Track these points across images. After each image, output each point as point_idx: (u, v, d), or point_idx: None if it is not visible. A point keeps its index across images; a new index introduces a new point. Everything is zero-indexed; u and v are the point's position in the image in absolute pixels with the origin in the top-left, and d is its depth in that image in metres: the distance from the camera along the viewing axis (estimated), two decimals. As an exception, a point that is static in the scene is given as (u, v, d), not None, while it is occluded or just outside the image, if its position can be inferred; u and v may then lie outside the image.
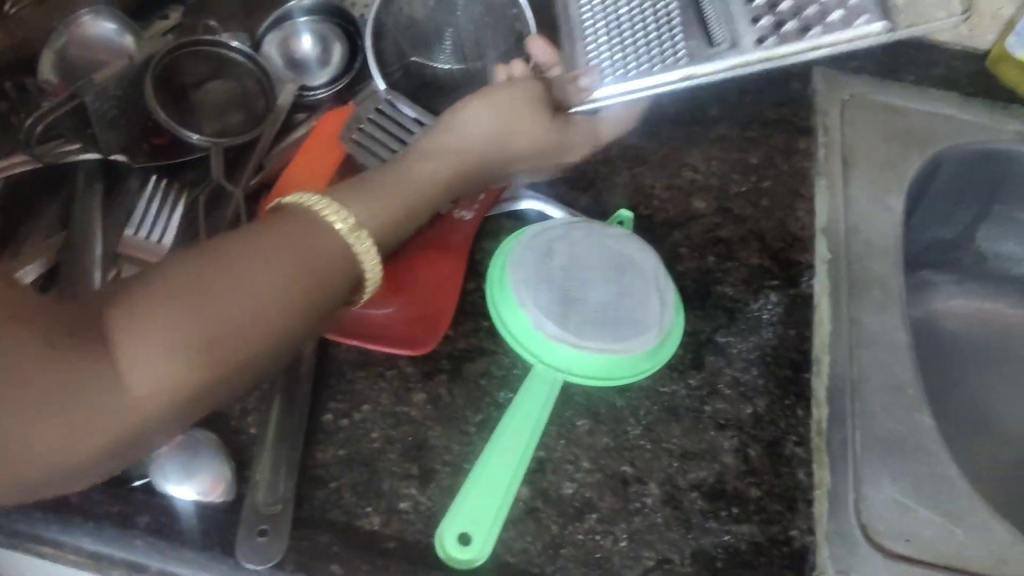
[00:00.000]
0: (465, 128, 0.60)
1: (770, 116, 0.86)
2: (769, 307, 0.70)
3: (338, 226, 0.49)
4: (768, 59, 0.57)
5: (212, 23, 0.81)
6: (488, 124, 0.60)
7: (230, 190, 0.68)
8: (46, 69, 0.75)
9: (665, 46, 0.61)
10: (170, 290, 0.43)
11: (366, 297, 0.53)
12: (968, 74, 0.93)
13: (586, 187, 0.77)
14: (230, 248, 0.48)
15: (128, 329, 0.40)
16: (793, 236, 0.75)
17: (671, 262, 0.70)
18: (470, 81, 0.80)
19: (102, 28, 0.77)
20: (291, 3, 0.81)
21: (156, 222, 0.66)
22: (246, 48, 0.76)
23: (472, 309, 0.67)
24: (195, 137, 0.69)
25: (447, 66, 0.81)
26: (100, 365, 0.39)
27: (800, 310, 0.70)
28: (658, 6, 0.63)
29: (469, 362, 0.64)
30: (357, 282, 0.52)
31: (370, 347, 0.63)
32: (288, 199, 0.51)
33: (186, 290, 0.44)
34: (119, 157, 0.69)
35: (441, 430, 0.60)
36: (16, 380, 0.36)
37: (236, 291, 0.45)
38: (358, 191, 0.53)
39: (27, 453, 0.37)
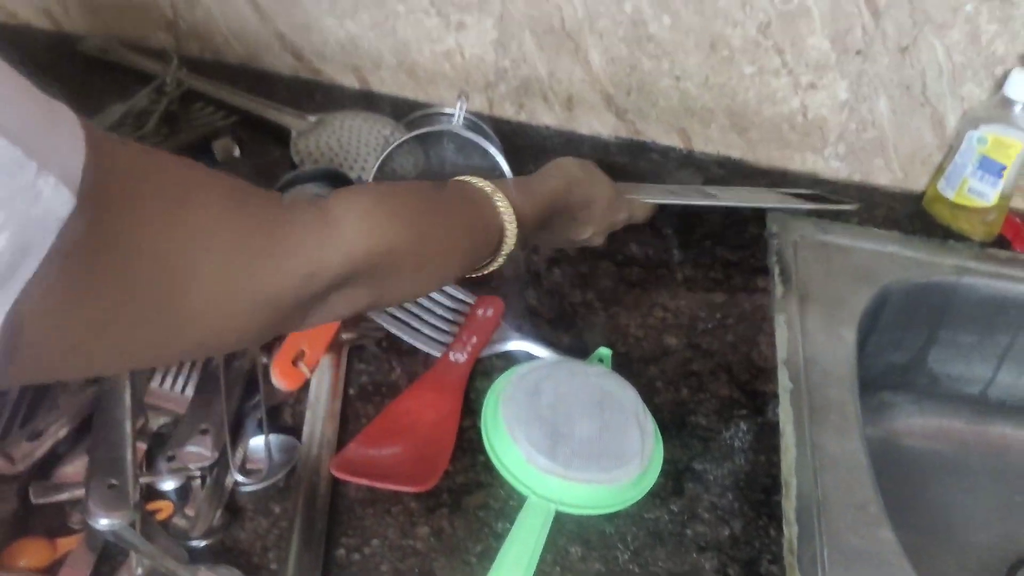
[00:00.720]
0: (560, 170, 0.78)
1: (730, 258, 0.95)
2: (740, 435, 0.77)
3: (500, 206, 0.66)
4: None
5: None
6: (575, 170, 0.79)
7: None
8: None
9: None
10: (382, 193, 0.59)
11: (500, 260, 0.69)
12: (907, 214, 1.03)
13: (567, 327, 0.84)
14: (431, 194, 0.63)
15: (346, 197, 0.55)
16: (758, 368, 0.83)
17: (648, 395, 0.77)
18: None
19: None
20: (295, 172, 0.90)
21: (179, 373, 0.73)
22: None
23: (469, 445, 0.73)
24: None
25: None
26: (316, 213, 0.52)
27: (768, 437, 0.77)
28: None
29: (468, 495, 0.70)
30: (498, 247, 0.68)
31: (377, 485, 0.69)
32: (469, 179, 0.67)
33: (395, 195, 0.59)
34: (144, 315, 0.76)
35: (445, 561, 0.66)
36: (247, 225, 0.47)
37: (430, 214, 0.61)
38: (511, 187, 0.69)
39: (251, 283, 0.47)
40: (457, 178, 0.68)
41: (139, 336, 0.43)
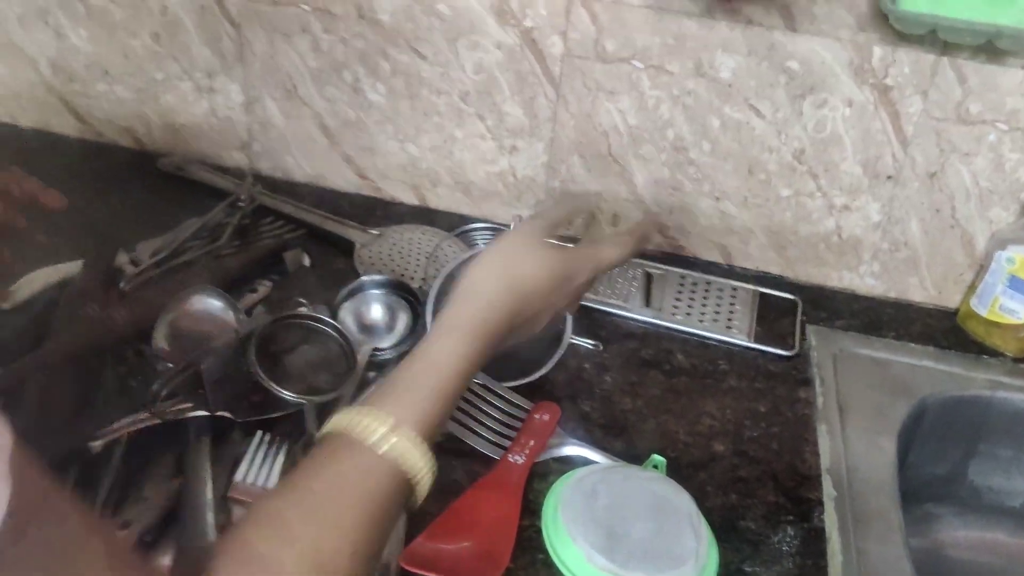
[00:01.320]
0: (478, 288, 0.67)
1: (773, 369, 0.99)
2: (788, 540, 0.80)
3: (375, 438, 0.55)
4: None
5: (300, 299, 0.96)
6: (497, 275, 0.68)
7: (319, 441, 0.80)
8: (159, 339, 0.88)
9: None
10: (261, 532, 0.52)
11: (423, 490, 0.59)
12: (942, 330, 1.08)
13: (619, 433, 0.88)
14: (306, 484, 0.55)
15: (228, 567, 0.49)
16: (802, 476, 0.86)
17: (699, 498, 0.80)
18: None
19: (207, 304, 0.91)
20: (363, 278, 0.97)
21: (261, 469, 0.77)
22: (330, 320, 0.91)
23: (528, 544, 0.76)
24: (291, 396, 0.82)
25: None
26: None
27: (814, 542, 0.80)
28: None
29: (529, 592, 0.73)
30: (411, 484, 0.58)
31: (444, 579, 0.72)
32: (331, 425, 0.58)
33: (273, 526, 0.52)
34: (224, 413, 0.81)
35: (508, 656, 0.68)
36: None
37: (313, 525, 0.52)
38: (390, 391, 0.60)
39: None
40: (329, 430, 0.58)
41: None
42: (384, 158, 1.17)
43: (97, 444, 0.77)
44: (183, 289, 0.92)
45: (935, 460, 1.05)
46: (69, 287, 0.94)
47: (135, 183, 1.19)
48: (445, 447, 0.84)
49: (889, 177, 1.04)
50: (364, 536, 0.54)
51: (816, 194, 1.07)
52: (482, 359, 0.65)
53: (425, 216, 1.18)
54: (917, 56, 0.96)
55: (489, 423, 0.86)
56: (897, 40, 0.95)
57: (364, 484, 0.55)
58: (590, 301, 1.04)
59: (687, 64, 1.02)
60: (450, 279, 0.94)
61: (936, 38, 0.93)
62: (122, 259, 1.01)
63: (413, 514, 0.76)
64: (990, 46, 0.91)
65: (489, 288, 0.67)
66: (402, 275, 1.03)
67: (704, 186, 1.09)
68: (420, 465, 0.57)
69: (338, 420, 0.58)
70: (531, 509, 0.79)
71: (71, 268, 0.97)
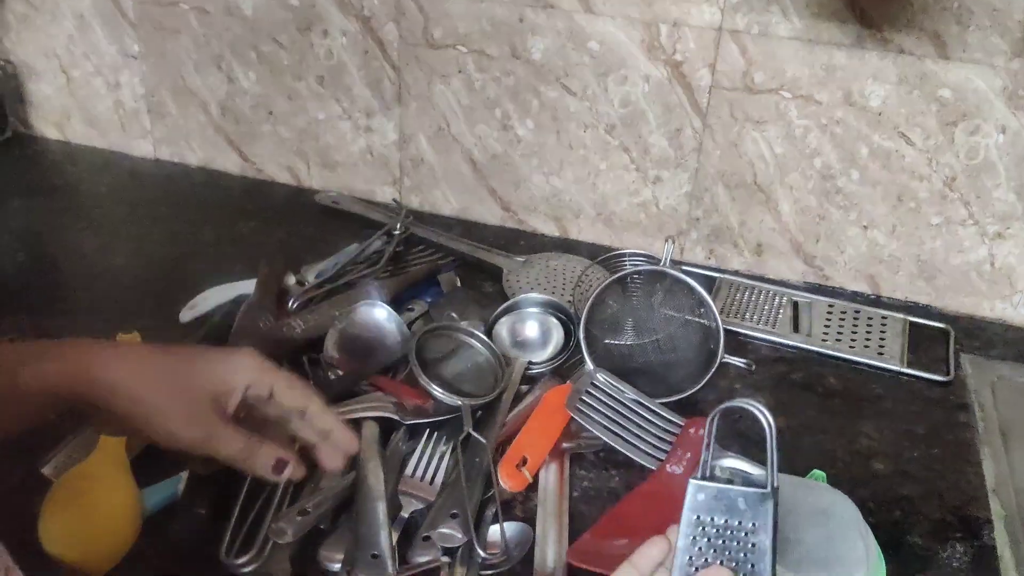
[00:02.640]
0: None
1: (928, 395, 0.97)
2: (957, 556, 0.78)
3: None
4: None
5: (452, 313, 1.01)
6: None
7: (482, 441, 0.83)
8: (331, 347, 0.93)
9: None
10: None
11: None
12: (1105, 358, 1.04)
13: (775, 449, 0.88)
14: None
15: None
16: (968, 496, 0.84)
17: (864, 515, 0.79)
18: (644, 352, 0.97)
19: (373, 316, 0.96)
20: (520, 297, 1.00)
21: (429, 466, 0.80)
22: (481, 333, 0.94)
23: (691, 549, 0.77)
24: (447, 396, 0.85)
25: (629, 342, 0.98)
26: None
27: (986, 559, 0.78)
28: None
29: (694, 595, 0.73)
30: None
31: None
32: None
33: None
34: (391, 415, 0.85)
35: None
36: None
37: None
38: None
39: None
40: None
41: None
42: (528, 191, 1.22)
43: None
44: (352, 302, 0.98)
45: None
46: (245, 303, 1.00)
47: (294, 216, 1.26)
48: (603, 457, 0.86)
49: (1046, 204, 1.02)
50: None
51: (968, 222, 1.06)
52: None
53: (566, 247, 1.21)
54: (1075, 80, 0.95)
55: (644, 436, 0.88)
56: (1054, 64, 0.95)
57: None
58: (736, 327, 1.05)
59: (836, 93, 1.03)
60: (600, 300, 0.97)
61: (1096, 60, 0.92)
62: (290, 280, 1.08)
63: (571, 518, 0.79)
64: None
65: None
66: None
67: (851, 214, 1.09)
68: None
69: None
70: (692, 517, 0.79)
71: (245, 286, 1.04)
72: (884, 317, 1.09)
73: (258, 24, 1.23)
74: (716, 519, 0.59)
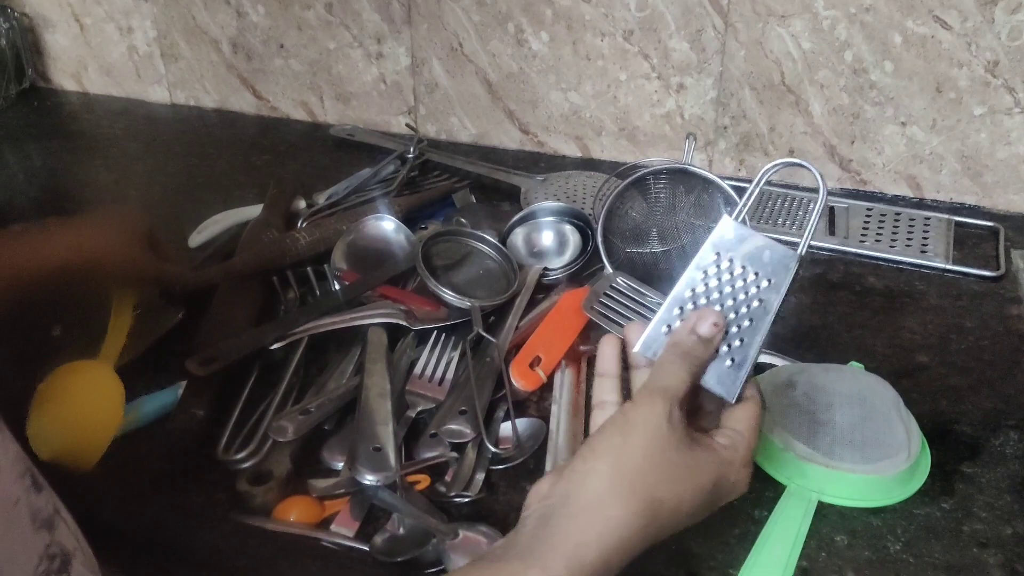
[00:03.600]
0: (600, 512, 0.48)
1: (977, 289, 0.91)
2: (1011, 443, 0.72)
3: None
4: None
5: (462, 219, 0.97)
6: (625, 497, 0.48)
7: (492, 341, 0.79)
8: (338, 259, 0.90)
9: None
10: None
11: None
12: None
13: (810, 346, 0.82)
14: None
15: None
16: (1021, 384, 0.78)
17: (905, 406, 0.73)
18: (670, 260, 0.92)
19: (381, 228, 0.93)
20: (534, 206, 0.95)
21: (437, 366, 0.76)
22: (489, 237, 0.90)
23: (717, 443, 0.71)
24: (455, 298, 0.81)
25: (653, 250, 0.92)
26: None
27: (1045, 445, 0.71)
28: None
29: (720, 487, 0.68)
30: None
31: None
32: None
33: None
34: (400, 321, 0.81)
35: (703, 541, 0.63)
36: None
37: None
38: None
39: None
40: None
41: None
42: (547, 109, 1.17)
43: (279, 346, 0.78)
44: (360, 216, 0.94)
45: None
46: (252, 221, 0.97)
47: (310, 150, 1.23)
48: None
49: (1101, 82, 0.95)
50: None
51: (1015, 110, 0.98)
52: None
53: (590, 167, 1.16)
54: None
55: (668, 336, 0.82)
56: (1104, -76, 0.88)
57: None
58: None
59: (864, -23, 0.97)
60: (619, 206, 0.92)
61: None
62: (300, 204, 1.04)
63: (586, 415, 0.74)
64: None
65: (614, 515, 0.48)
66: (570, 209, 1.02)
67: (887, 110, 1.03)
68: None
69: None
70: (718, 411, 0.74)
71: (252, 211, 1.01)
72: (927, 218, 1.02)
73: (264, -48, 1.20)
74: (735, 263, 0.57)
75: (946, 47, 0.98)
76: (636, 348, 0.57)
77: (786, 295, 0.57)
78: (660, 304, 0.82)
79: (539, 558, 0.46)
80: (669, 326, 0.57)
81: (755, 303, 0.56)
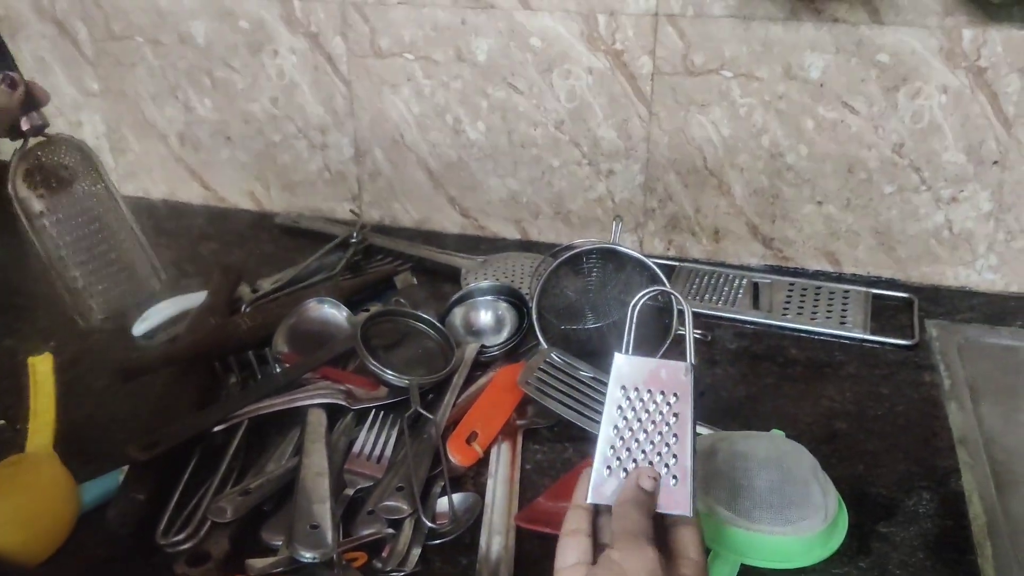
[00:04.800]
0: None
1: (893, 358, 0.96)
2: (924, 503, 0.75)
3: None
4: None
5: (401, 299, 1.00)
6: None
7: (430, 417, 0.81)
8: (280, 343, 0.92)
9: None
10: None
11: None
12: (1074, 318, 1.02)
13: (734, 415, 0.86)
14: None
15: None
16: (933, 447, 0.82)
17: (825, 469, 0.77)
18: (602, 336, 0.95)
19: (322, 311, 0.96)
20: (472, 286, 0.99)
21: (376, 444, 0.79)
22: (427, 316, 0.94)
23: (646, 511, 0.74)
24: (395, 376, 0.84)
25: (587, 326, 0.96)
26: None
27: (953, 505, 0.75)
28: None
29: (649, 554, 0.70)
30: None
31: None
32: None
33: None
34: (339, 401, 0.83)
35: (631, 607, 0.65)
36: None
37: None
38: None
39: None
40: None
41: None
42: (486, 194, 1.22)
43: (220, 428, 0.80)
44: (303, 300, 0.97)
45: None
46: (195, 309, 0.99)
47: (256, 238, 1.26)
48: (557, 432, 0.84)
49: (995, 162, 1.02)
50: None
51: (921, 188, 1.05)
52: None
53: (527, 248, 1.21)
54: (1009, 34, 0.96)
55: (599, 408, 0.85)
56: (986, 20, 0.96)
57: None
58: (695, 308, 1.03)
59: (776, 68, 1.04)
60: (553, 285, 0.96)
61: (1026, 11, 0.93)
62: (244, 290, 1.07)
63: (523, 488, 0.77)
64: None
65: None
66: (507, 291, 1.05)
67: (804, 191, 1.09)
68: None
69: None
70: (648, 481, 0.77)
71: (196, 298, 1.03)
72: (846, 291, 1.08)
73: (211, 50, 1.25)
74: (640, 390, 0.61)
75: (855, 131, 1.05)
76: (589, 500, 0.59)
77: (695, 403, 0.61)
78: (593, 378, 0.86)
79: None
80: (609, 467, 0.60)
81: (672, 419, 0.61)
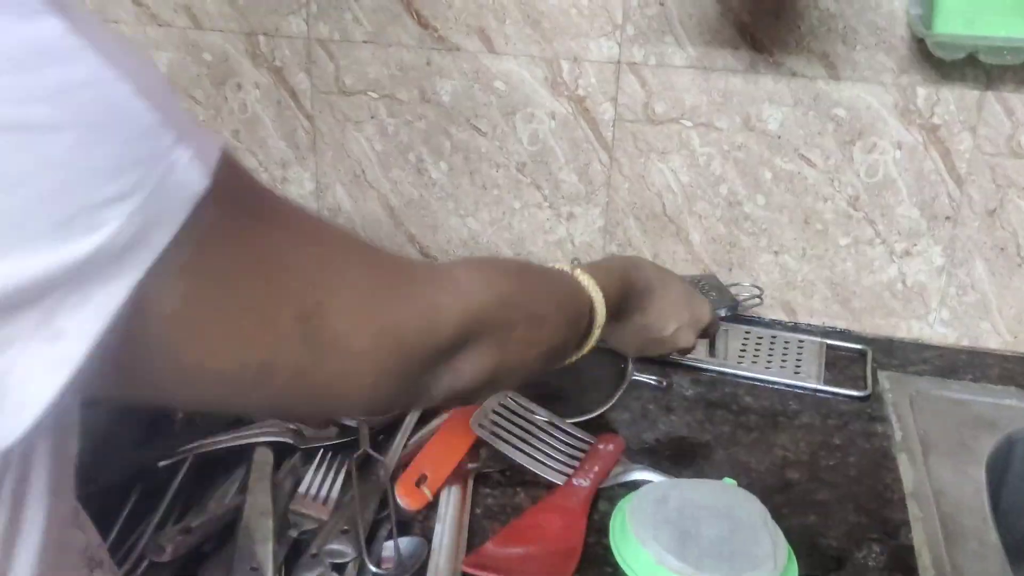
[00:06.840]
0: (617, 257, 0.89)
1: (846, 409, 0.96)
2: (874, 556, 0.75)
3: (583, 280, 0.68)
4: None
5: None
6: (634, 258, 0.86)
7: (379, 459, 0.80)
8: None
9: None
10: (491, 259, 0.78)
11: (598, 320, 0.68)
12: (1023, 372, 1.04)
13: (688, 463, 0.86)
14: (531, 264, 0.72)
15: (458, 262, 0.64)
16: (884, 499, 0.82)
17: (776, 520, 0.76)
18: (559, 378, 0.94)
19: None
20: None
21: (323, 484, 0.77)
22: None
23: (596, 559, 0.73)
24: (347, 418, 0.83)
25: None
26: (436, 267, 0.60)
27: (903, 558, 0.75)
28: None
29: (597, 603, 0.70)
30: (588, 328, 0.68)
31: (509, 583, 0.69)
32: (563, 266, 0.70)
33: (503, 261, 0.82)
34: (287, 439, 0.82)
35: (578, 657, 0.64)
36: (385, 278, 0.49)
37: (535, 274, 0.67)
38: (596, 270, 0.70)
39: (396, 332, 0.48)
40: (561, 266, 0.71)
41: (271, 355, 0.41)
42: (446, 234, 1.22)
43: (165, 464, 0.78)
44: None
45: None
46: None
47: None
48: (509, 476, 0.83)
49: (948, 218, 1.03)
50: (554, 314, 0.63)
51: (875, 241, 1.06)
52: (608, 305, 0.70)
53: (487, 289, 1.20)
54: (962, 93, 0.98)
55: (553, 454, 0.85)
56: (940, 79, 0.98)
57: (566, 282, 0.68)
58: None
59: (735, 119, 1.05)
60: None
61: (979, 72, 0.95)
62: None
63: (472, 533, 0.75)
64: (1033, 75, 0.93)
65: (622, 262, 0.83)
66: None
67: (762, 240, 1.10)
68: (596, 298, 0.68)
69: (565, 266, 0.70)
70: (597, 528, 0.77)
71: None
72: (801, 341, 1.08)
73: (173, 81, 1.24)
74: None
75: (811, 183, 1.06)
76: None
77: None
78: (548, 422, 0.85)
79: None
80: None
81: None
